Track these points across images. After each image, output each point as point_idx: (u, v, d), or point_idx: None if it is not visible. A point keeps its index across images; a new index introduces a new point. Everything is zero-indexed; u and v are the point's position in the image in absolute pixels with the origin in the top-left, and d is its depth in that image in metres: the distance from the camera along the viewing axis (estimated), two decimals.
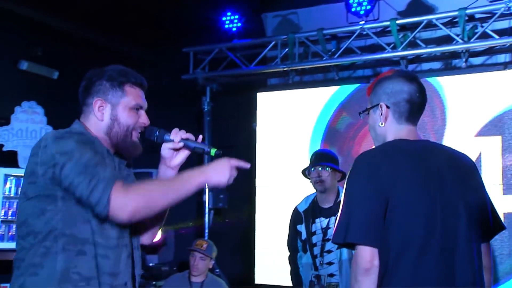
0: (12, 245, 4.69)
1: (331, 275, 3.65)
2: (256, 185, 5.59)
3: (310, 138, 5.46)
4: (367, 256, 1.85)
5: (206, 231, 5.94)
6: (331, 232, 3.51)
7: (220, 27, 5.78)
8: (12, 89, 5.15)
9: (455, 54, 5.11)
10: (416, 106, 2.08)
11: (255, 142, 5.66)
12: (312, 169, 3.76)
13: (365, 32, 5.25)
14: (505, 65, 4.95)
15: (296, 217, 3.88)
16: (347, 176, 1.97)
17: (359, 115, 2.23)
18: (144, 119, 2.01)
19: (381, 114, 2.08)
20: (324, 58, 5.46)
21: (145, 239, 2.08)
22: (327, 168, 3.74)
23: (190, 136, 2.03)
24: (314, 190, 3.86)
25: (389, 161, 1.94)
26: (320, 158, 3.80)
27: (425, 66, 5.43)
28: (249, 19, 5.80)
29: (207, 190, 5.86)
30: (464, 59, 4.98)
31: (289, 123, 5.55)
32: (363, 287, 1.86)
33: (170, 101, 6.16)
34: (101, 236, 1.80)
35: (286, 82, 5.74)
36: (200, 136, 2.08)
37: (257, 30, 5.96)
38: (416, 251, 1.86)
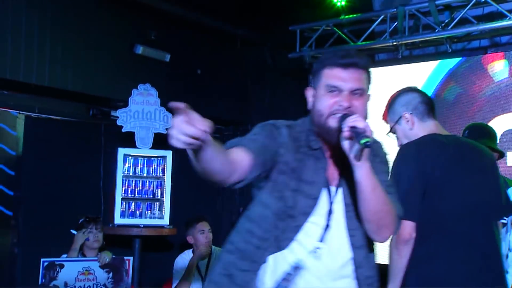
0: (131, 221, 4.98)
1: None
2: None
3: None
4: (408, 228, 2.31)
5: None
6: None
7: (326, 3, 5.62)
8: (129, 72, 5.35)
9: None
10: (430, 104, 2.58)
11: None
12: None
13: (482, 0, 4.86)
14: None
15: None
16: (393, 162, 2.27)
17: (387, 136, 2.61)
18: (341, 101, 1.81)
19: (408, 121, 2.55)
20: (437, 30, 5.15)
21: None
22: None
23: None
24: None
25: (428, 150, 2.39)
26: None
27: None
28: None
29: None
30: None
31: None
32: (402, 254, 2.33)
33: (278, 80, 6.15)
34: None
35: (396, 56, 5.49)
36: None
37: (364, 4, 5.73)
38: (450, 225, 2.33)
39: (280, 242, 1.82)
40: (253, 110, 6.19)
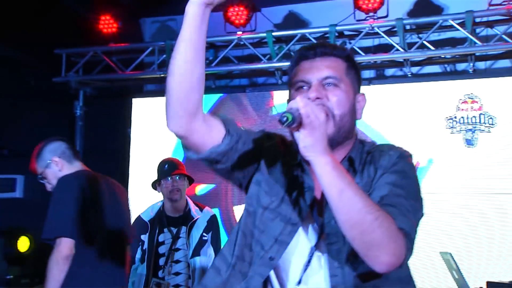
0: None
1: (177, 285, 3.62)
2: (129, 190, 5.39)
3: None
4: (69, 244, 2.67)
5: None
6: (181, 242, 3.66)
7: (96, 29, 5.51)
8: None
9: None
10: (74, 149, 3.10)
11: (129, 148, 5.48)
12: (169, 178, 3.70)
13: (242, 42, 5.27)
14: (369, 81, 5.21)
15: (140, 226, 3.75)
16: (53, 190, 2.89)
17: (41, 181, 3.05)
18: (308, 94, 1.49)
19: (57, 164, 2.94)
20: None
21: None
22: (185, 177, 3.74)
23: None
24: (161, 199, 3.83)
25: (83, 180, 2.90)
26: (176, 167, 3.75)
27: None
28: (126, 23, 5.60)
29: None
30: None
31: (165, 130, 5.41)
32: (61, 269, 2.65)
33: (41, 104, 5.79)
34: None
35: (163, 88, 5.59)
36: None
37: (134, 35, 5.78)
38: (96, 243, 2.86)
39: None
40: (9, 133, 5.72)
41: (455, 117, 4.79)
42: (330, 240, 1.47)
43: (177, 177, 3.71)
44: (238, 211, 5.21)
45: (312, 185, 1.54)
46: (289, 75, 1.62)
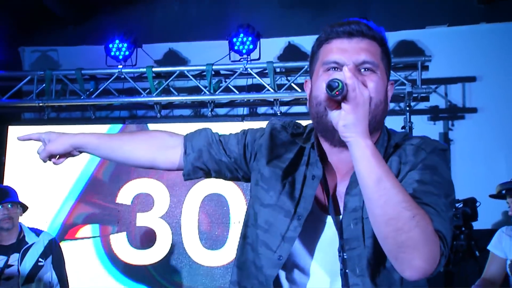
0: None
1: None
2: None
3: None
4: None
5: None
6: (13, 270, 3.48)
7: None
8: None
9: (203, 103, 5.51)
10: None
11: (3, 176, 5.34)
12: (0, 206, 3.54)
13: (122, 76, 5.38)
14: (242, 117, 5.50)
15: None
16: None
17: None
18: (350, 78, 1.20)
19: None
20: (82, 97, 5.44)
21: None
22: (18, 205, 3.63)
23: None
24: None
25: None
26: (7, 194, 3.61)
27: (177, 112, 5.75)
28: (4, 50, 5.50)
29: None
30: (210, 109, 5.42)
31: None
32: None
33: None
34: None
35: (42, 117, 5.54)
36: None
37: (13, 62, 5.67)
38: None
39: None
40: None
41: None
42: (351, 245, 1.32)
43: (9, 205, 3.57)
44: None
45: (319, 174, 1.39)
46: (315, 52, 1.44)
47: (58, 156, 1.62)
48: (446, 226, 1.20)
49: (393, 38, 5.31)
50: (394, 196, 1.14)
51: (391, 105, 5.29)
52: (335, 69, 1.34)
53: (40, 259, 3.58)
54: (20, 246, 3.58)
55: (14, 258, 3.51)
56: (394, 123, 5.17)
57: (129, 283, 5.13)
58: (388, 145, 1.40)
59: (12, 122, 5.54)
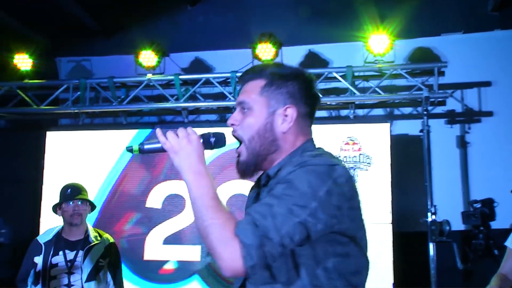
0: None
1: None
2: (41, 220, 5.48)
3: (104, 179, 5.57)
4: None
5: None
6: (76, 266, 3.58)
7: (12, 65, 5.66)
8: None
9: (228, 109, 5.72)
10: None
11: (42, 179, 5.57)
12: (71, 202, 3.64)
13: (152, 83, 5.62)
14: None
15: (35, 248, 3.66)
16: None
17: None
18: (229, 120, 1.63)
19: None
20: (114, 104, 5.69)
21: None
22: (87, 202, 3.72)
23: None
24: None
25: None
26: (79, 192, 3.71)
27: (203, 117, 5.97)
28: (42, 61, 5.80)
29: None
30: None
31: (76, 161, 5.56)
32: None
33: None
34: None
35: (77, 123, 5.81)
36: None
37: (50, 72, 5.96)
38: None
39: None
40: None
41: (339, 157, 5.28)
42: None
43: (79, 202, 3.65)
44: None
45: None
46: None
47: None
48: (248, 231, 1.36)
49: (410, 45, 5.47)
50: (198, 212, 1.44)
51: (409, 109, 5.53)
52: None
53: (100, 260, 3.66)
54: (85, 243, 3.67)
55: (79, 254, 3.60)
56: (412, 126, 5.33)
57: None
58: (289, 163, 1.53)
59: (50, 128, 5.82)
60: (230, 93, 5.54)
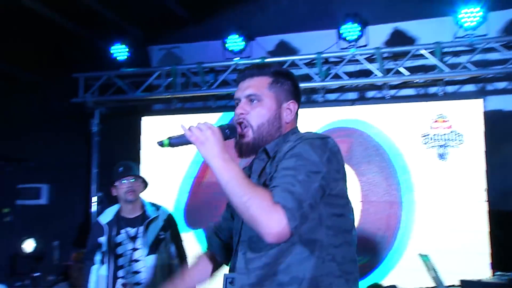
0: None
1: (138, 283, 3.64)
2: None
3: (191, 161, 5.78)
4: None
5: None
6: (138, 242, 3.67)
7: (109, 56, 5.99)
8: None
9: (314, 90, 5.73)
10: None
11: (139, 162, 5.82)
12: (124, 180, 3.71)
13: (239, 67, 5.74)
14: (352, 102, 5.65)
15: (97, 230, 3.77)
16: None
17: None
18: (237, 109, 1.88)
19: None
20: (203, 88, 5.88)
21: None
22: (140, 179, 3.80)
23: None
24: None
25: None
26: (130, 169, 3.78)
27: None
28: (136, 50, 6.08)
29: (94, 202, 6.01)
30: (321, 95, 5.63)
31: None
32: None
33: (60, 123, 6.25)
34: None
35: (169, 108, 6.07)
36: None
37: (143, 60, 6.25)
38: None
39: None
40: (34, 148, 6.18)
41: (429, 134, 5.18)
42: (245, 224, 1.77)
43: (132, 179, 3.71)
44: None
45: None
46: None
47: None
48: (287, 197, 1.58)
49: (504, 16, 5.19)
50: (234, 190, 1.60)
51: (503, 84, 5.29)
52: (237, 104, 1.88)
53: (160, 233, 3.73)
54: (144, 219, 3.74)
55: (139, 230, 3.68)
56: (507, 102, 5.13)
57: None
58: (283, 142, 1.80)
59: (145, 113, 6.12)
60: (316, 74, 5.55)
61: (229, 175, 1.63)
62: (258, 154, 1.86)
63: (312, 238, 1.67)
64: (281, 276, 1.66)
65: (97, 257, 3.75)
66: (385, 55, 5.46)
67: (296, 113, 1.92)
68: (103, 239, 3.72)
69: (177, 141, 1.73)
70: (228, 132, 1.79)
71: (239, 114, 1.85)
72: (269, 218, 1.55)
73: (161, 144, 1.73)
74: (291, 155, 1.68)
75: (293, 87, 1.91)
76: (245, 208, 1.58)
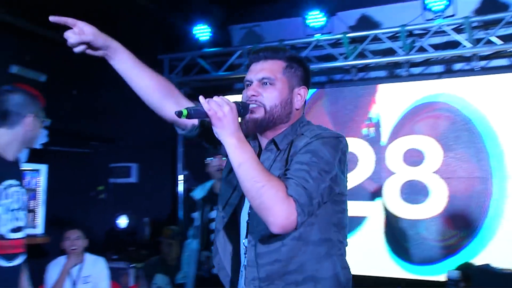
0: None
1: None
2: None
3: None
4: None
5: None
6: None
7: (192, 37, 6.11)
8: None
9: (398, 64, 5.56)
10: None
11: None
12: (213, 158, 3.77)
13: (320, 44, 5.66)
14: (439, 75, 5.43)
15: (191, 205, 3.83)
16: None
17: None
18: (248, 91, 1.83)
19: None
20: None
21: None
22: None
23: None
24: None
25: None
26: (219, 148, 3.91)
27: (372, 74, 5.90)
28: (217, 30, 6.16)
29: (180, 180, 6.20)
30: (405, 69, 5.45)
31: None
32: None
33: (146, 105, 6.47)
34: None
35: None
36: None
37: (225, 40, 6.32)
38: None
39: None
40: (124, 128, 6.44)
41: None
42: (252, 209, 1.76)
43: (224, 157, 3.85)
44: None
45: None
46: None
47: (87, 46, 1.83)
48: (300, 192, 1.58)
49: None
50: (248, 174, 1.58)
51: None
52: (248, 86, 1.85)
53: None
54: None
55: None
56: None
57: None
58: (295, 133, 1.82)
59: (226, 92, 6.20)
60: (400, 48, 5.37)
61: (244, 157, 1.62)
62: (266, 145, 1.85)
63: (325, 237, 1.73)
64: (295, 276, 1.70)
65: (190, 232, 3.83)
66: (475, 24, 5.18)
67: (305, 101, 1.91)
68: (196, 215, 3.78)
69: (195, 113, 1.66)
70: (241, 110, 1.74)
71: (250, 96, 1.81)
72: (281, 209, 1.56)
73: (179, 114, 1.64)
74: (306, 151, 1.70)
75: (305, 74, 1.90)
76: (257, 195, 1.57)
